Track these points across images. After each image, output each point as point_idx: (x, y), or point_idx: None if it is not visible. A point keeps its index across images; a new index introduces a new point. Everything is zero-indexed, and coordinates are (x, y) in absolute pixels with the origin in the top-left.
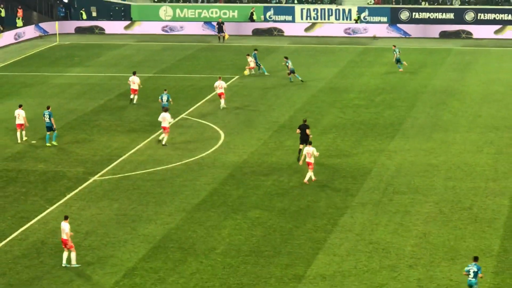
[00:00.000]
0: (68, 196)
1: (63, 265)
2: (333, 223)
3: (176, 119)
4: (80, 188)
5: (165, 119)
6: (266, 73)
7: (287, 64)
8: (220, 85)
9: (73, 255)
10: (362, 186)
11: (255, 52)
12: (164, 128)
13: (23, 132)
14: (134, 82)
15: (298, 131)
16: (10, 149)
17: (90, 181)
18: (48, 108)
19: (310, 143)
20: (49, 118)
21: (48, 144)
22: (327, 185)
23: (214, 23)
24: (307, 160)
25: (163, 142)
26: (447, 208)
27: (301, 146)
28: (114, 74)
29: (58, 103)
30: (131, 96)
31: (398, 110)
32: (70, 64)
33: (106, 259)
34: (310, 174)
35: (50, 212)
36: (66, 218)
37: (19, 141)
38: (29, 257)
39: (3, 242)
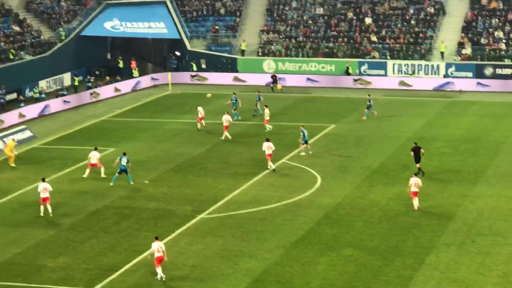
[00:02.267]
0: (176, 232)
1: (160, 278)
2: (419, 261)
3: (277, 164)
4: (188, 225)
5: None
6: (255, 114)
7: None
8: (227, 119)
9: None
10: (447, 228)
11: (259, 94)
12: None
13: (102, 169)
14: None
15: (412, 153)
16: (124, 188)
17: (197, 218)
18: (124, 154)
19: (416, 174)
20: (126, 163)
21: (111, 184)
22: (415, 226)
23: (269, 75)
24: (413, 189)
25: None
26: None
27: (417, 165)
28: (219, 121)
29: (168, 147)
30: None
31: (481, 158)
32: (181, 111)
33: None
34: (415, 201)
35: None
36: (157, 238)
37: (84, 175)
38: (140, 287)
39: (117, 273)
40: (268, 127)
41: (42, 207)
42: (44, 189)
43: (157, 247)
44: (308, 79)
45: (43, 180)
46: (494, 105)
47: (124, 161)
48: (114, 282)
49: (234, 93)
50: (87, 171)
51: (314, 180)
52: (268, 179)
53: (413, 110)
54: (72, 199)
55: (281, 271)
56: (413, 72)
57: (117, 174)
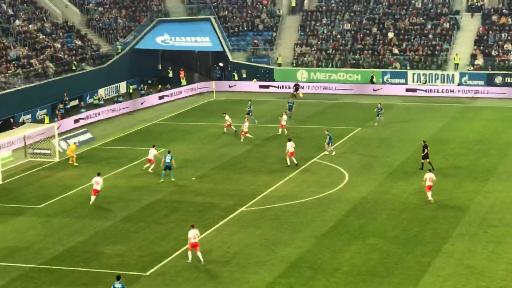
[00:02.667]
0: (220, 223)
1: (191, 261)
2: (437, 250)
3: (309, 162)
4: (230, 217)
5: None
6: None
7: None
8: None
9: (200, 254)
10: (462, 219)
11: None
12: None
13: (152, 166)
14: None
15: (426, 151)
16: (173, 185)
17: (239, 211)
18: (169, 152)
19: (430, 170)
20: (170, 160)
21: (161, 180)
22: (432, 218)
23: (292, 83)
24: (428, 183)
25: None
26: None
27: (428, 160)
28: (258, 125)
29: (212, 148)
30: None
31: (492, 158)
32: (224, 116)
33: (251, 275)
34: (429, 194)
35: (205, 236)
36: (193, 226)
37: (144, 168)
38: (188, 272)
39: (168, 259)
40: (282, 130)
41: (92, 197)
42: (96, 182)
43: (194, 234)
44: (336, 87)
45: (98, 174)
46: (504, 110)
47: (168, 158)
48: (165, 267)
49: (250, 101)
50: (147, 165)
51: (342, 177)
52: (301, 176)
53: (430, 114)
54: (127, 193)
55: (313, 258)
56: (426, 81)
57: (163, 171)
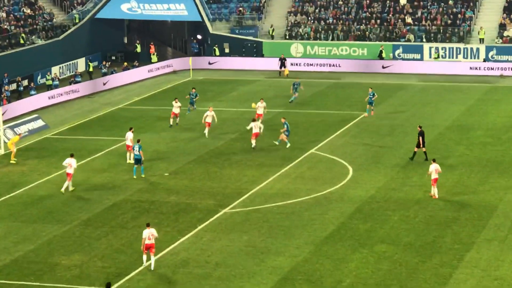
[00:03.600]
0: (199, 228)
1: (145, 265)
2: (458, 258)
3: (306, 154)
4: (210, 220)
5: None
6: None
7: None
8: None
9: (153, 258)
10: (488, 222)
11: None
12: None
13: (131, 155)
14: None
15: (420, 138)
16: (143, 181)
17: (221, 213)
18: (138, 141)
19: (434, 160)
20: (139, 151)
21: (134, 177)
22: (453, 221)
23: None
24: (434, 176)
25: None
26: None
27: (423, 149)
28: (245, 109)
29: (190, 137)
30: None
31: None
32: (203, 98)
33: None
34: (434, 189)
35: (181, 243)
36: (148, 225)
37: (127, 161)
38: (160, 287)
39: (136, 271)
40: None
41: (66, 184)
42: (68, 164)
43: (148, 234)
44: (338, 64)
45: (72, 155)
46: None
47: (136, 149)
48: (132, 281)
49: (194, 88)
50: (128, 154)
51: (345, 172)
52: (296, 170)
53: (450, 96)
54: (87, 192)
55: (310, 268)
56: (438, 56)
57: (135, 166)
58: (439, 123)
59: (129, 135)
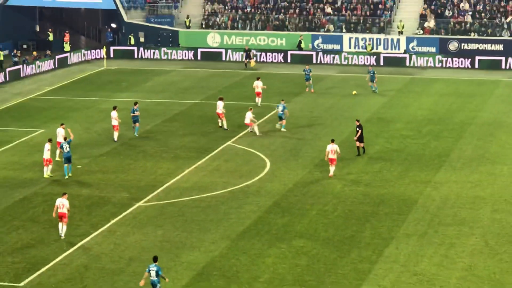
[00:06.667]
0: (112, 222)
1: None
2: (377, 253)
3: (222, 146)
4: (124, 213)
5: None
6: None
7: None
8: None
9: (65, 228)
10: (408, 217)
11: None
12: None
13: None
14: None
15: (360, 132)
16: (55, 173)
17: (135, 207)
18: (65, 139)
19: (333, 140)
20: (69, 149)
21: (66, 177)
22: (372, 215)
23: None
24: (331, 156)
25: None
26: (493, 241)
27: (362, 144)
28: (160, 100)
29: (103, 128)
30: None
31: (445, 142)
32: (117, 89)
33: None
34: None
35: (94, 237)
36: (64, 194)
37: (56, 158)
38: (72, 282)
39: (47, 267)
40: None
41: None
42: (47, 149)
43: (60, 204)
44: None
45: (49, 140)
46: (460, 83)
47: (66, 147)
48: (43, 277)
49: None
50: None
51: (262, 165)
52: (212, 163)
53: (371, 88)
54: None
55: (226, 264)
56: (372, 48)
57: (65, 165)
58: (358, 115)
59: (61, 131)
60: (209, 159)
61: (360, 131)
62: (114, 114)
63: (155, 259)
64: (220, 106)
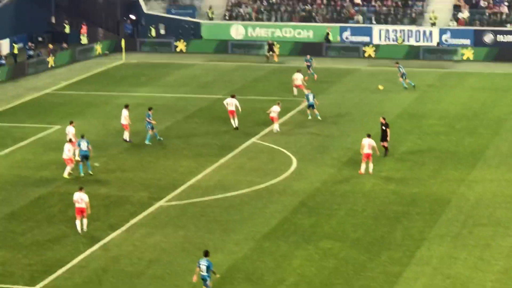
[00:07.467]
0: (131, 222)
1: (80, 231)
2: (409, 255)
3: (247, 143)
4: (144, 213)
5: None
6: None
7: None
8: (275, 109)
9: (85, 221)
10: (440, 217)
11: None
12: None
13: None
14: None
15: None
16: (72, 171)
17: (155, 206)
18: (82, 137)
19: (369, 135)
20: (87, 146)
21: (82, 174)
22: (404, 216)
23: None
24: (367, 151)
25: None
26: None
27: (386, 144)
28: (182, 95)
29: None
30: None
31: (480, 138)
32: (136, 83)
33: None
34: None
35: (113, 238)
36: (81, 188)
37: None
38: (90, 285)
39: (63, 269)
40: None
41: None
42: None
43: (78, 198)
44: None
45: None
46: (495, 77)
47: (84, 145)
48: (59, 279)
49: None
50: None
51: (288, 163)
52: (235, 161)
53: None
54: (12, 184)
55: (250, 266)
56: (403, 40)
57: (80, 163)
58: (389, 110)
59: (71, 129)
60: (232, 157)
61: (385, 129)
62: (125, 112)
63: (206, 254)
64: (232, 103)
